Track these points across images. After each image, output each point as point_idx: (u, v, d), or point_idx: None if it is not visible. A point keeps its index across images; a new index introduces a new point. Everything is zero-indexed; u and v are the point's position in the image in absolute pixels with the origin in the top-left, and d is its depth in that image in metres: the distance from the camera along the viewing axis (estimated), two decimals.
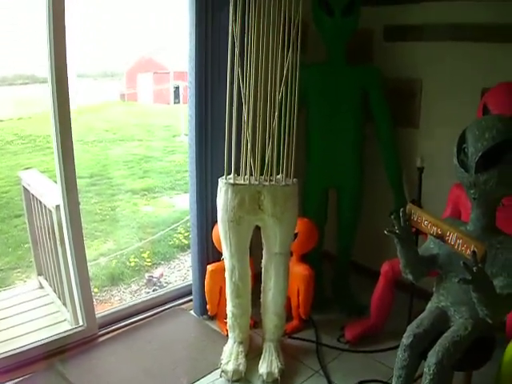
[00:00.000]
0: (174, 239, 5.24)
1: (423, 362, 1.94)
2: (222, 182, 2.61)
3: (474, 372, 2.11)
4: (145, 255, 4.86)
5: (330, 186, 3.41)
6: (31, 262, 3.94)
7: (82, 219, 2.86)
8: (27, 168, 6.08)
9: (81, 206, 2.84)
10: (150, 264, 4.79)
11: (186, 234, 4.91)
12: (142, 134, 8.79)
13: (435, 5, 3.13)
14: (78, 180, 2.79)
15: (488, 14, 2.92)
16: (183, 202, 5.54)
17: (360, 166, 3.34)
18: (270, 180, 2.60)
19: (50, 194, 3.11)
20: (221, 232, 2.69)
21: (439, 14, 3.16)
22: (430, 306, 2.09)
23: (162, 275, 4.58)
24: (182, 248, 5.04)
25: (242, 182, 2.58)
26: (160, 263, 4.86)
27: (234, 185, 2.55)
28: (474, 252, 1.60)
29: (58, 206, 2.89)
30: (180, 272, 4.68)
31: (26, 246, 4.61)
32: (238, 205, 2.55)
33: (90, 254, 4.53)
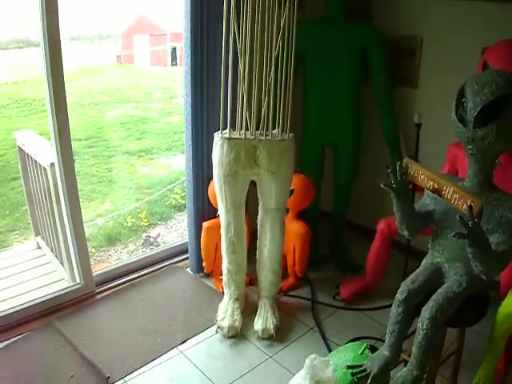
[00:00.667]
0: (171, 199, 5.24)
1: (416, 319, 1.95)
2: (217, 136, 2.59)
3: (467, 329, 2.13)
4: (142, 215, 4.86)
5: (326, 144, 3.39)
6: (29, 224, 3.94)
7: (79, 181, 2.84)
8: None
9: (78, 168, 2.81)
10: (147, 224, 4.79)
11: (183, 195, 4.88)
12: (138, 96, 8.68)
13: None
14: (74, 142, 2.76)
15: None
16: (180, 163, 5.51)
17: (357, 123, 3.31)
18: (266, 134, 2.58)
19: (45, 152, 3.08)
20: (216, 187, 2.68)
21: None
22: (424, 262, 2.09)
23: (159, 235, 4.59)
24: (179, 208, 5.04)
25: (238, 136, 2.55)
26: (157, 223, 4.87)
27: (229, 139, 2.53)
28: (470, 206, 1.58)
29: (52, 164, 2.87)
30: (177, 232, 4.69)
31: (23, 208, 4.60)
32: (234, 159, 2.53)
33: (87, 215, 4.53)
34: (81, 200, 2.92)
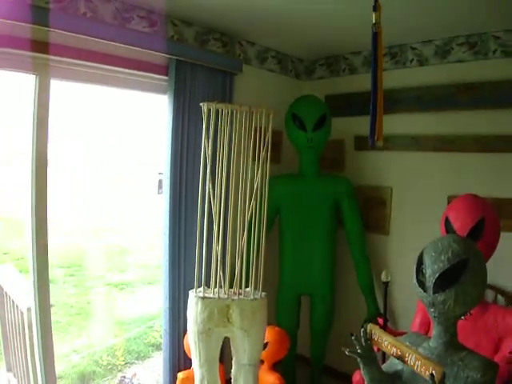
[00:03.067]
0: (150, 337, 5.14)
1: None
2: (192, 294, 2.67)
3: None
4: (118, 353, 4.73)
5: (302, 293, 3.46)
6: (1, 354, 3.83)
7: (57, 311, 2.83)
8: (5, 253, 6.04)
9: (56, 298, 2.83)
10: (123, 363, 4.65)
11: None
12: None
13: (398, 117, 3.33)
14: (55, 269, 2.79)
15: (450, 126, 3.13)
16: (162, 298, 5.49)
17: (332, 273, 3.41)
18: (240, 294, 2.66)
19: (23, 295, 3.09)
20: (190, 342, 2.69)
21: (404, 125, 3.36)
22: None
23: (135, 375, 4.44)
24: (158, 347, 4.91)
25: (212, 295, 2.64)
26: (134, 362, 4.73)
27: (203, 298, 2.61)
28: (432, 375, 1.63)
29: (29, 309, 2.87)
30: (154, 373, 4.55)
31: None
32: (208, 317, 2.59)
33: (62, 349, 4.40)
34: (56, 333, 2.90)
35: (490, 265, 1.88)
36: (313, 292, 3.39)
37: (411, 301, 2.88)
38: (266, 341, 2.85)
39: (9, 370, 3.68)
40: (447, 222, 2.52)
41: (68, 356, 4.63)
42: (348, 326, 3.47)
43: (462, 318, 2.24)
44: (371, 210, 3.54)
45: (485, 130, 3.04)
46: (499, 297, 2.97)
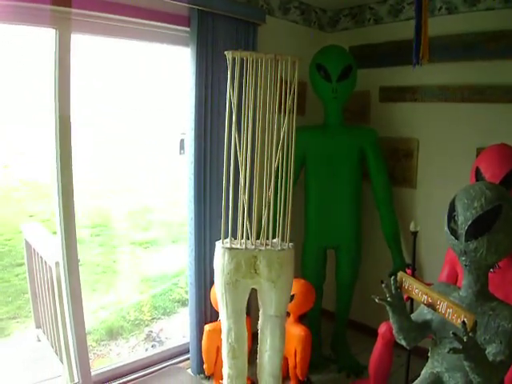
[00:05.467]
0: (175, 293, 5.22)
1: None
2: (218, 245, 2.66)
3: None
4: (145, 309, 4.82)
5: (328, 246, 3.44)
6: (30, 312, 3.93)
7: (84, 271, 2.86)
8: (31, 216, 6.12)
9: (83, 257, 2.85)
10: (150, 318, 4.74)
11: (187, 289, 4.88)
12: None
13: (425, 67, 3.23)
14: (81, 230, 2.81)
15: (479, 75, 3.02)
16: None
17: (358, 226, 3.38)
18: (266, 244, 2.64)
19: (51, 249, 3.14)
20: (217, 294, 2.71)
21: (431, 75, 3.27)
22: (424, 371, 2.07)
23: (161, 330, 4.53)
24: (183, 303, 4.99)
25: (239, 246, 2.62)
26: (160, 318, 4.82)
27: (230, 249, 2.60)
28: (464, 322, 1.61)
29: (57, 263, 2.92)
30: (180, 328, 4.63)
31: (25, 295, 4.59)
32: (235, 268, 2.58)
33: (89, 306, 4.50)
34: (84, 291, 2.94)
35: None
36: (338, 244, 3.37)
37: (438, 254, 2.85)
38: (292, 293, 2.85)
39: (38, 326, 3.78)
40: (478, 172, 2.46)
41: (96, 313, 4.73)
42: (374, 280, 3.45)
43: (491, 270, 2.22)
44: (397, 163, 3.48)
45: None
46: None
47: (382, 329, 2.85)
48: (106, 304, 4.99)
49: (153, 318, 4.76)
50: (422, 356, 2.13)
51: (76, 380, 2.99)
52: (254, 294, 2.81)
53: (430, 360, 2.07)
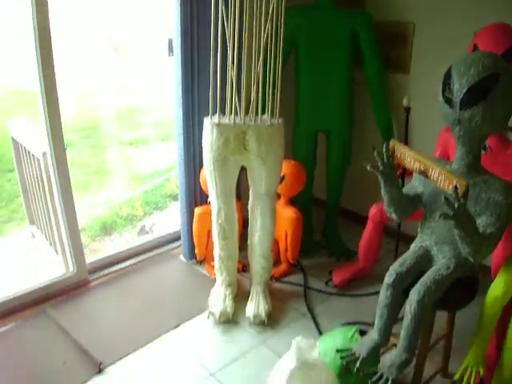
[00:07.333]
0: (167, 189, 5.24)
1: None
2: (206, 121, 2.58)
3: (459, 315, 2.14)
4: (137, 205, 4.86)
5: (319, 129, 3.38)
6: (25, 214, 3.94)
7: (76, 172, 2.83)
8: None
9: (75, 158, 2.81)
10: (142, 214, 4.79)
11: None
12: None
13: None
14: (71, 133, 2.75)
15: None
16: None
17: (349, 110, 3.30)
18: (256, 120, 2.57)
19: (38, 141, 3.08)
20: (206, 172, 2.68)
21: None
22: (413, 245, 2.09)
23: (154, 224, 4.59)
24: (175, 197, 5.02)
25: (227, 121, 2.55)
26: (152, 213, 4.87)
27: (218, 124, 2.52)
28: (455, 187, 1.59)
29: (44, 154, 2.87)
30: (172, 221, 4.69)
31: (19, 199, 4.59)
32: (223, 144, 2.53)
33: (83, 205, 4.52)
34: (77, 191, 2.92)
35: None
36: (329, 127, 3.32)
37: (430, 137, 2.81)
38: (282, 174, 2.83)
39: (32, 222, 3.80)
40: (475, 49, 2.36)
41: (90, 211, 4.76)
42: (365, 167, 3.45)
43: (483, 151, 2.19)
44: (391, 48, 3.34)
45: None
46: None
47: (373, 211, 2.87)
48: (99, 202, 5.02)
49: (145, 213, 4.81)
50: (411, 242, 2.14)
51: (71, 269, 3.04)
52: (243, 178, 2.79)
53: (419, 234, 2.09)
